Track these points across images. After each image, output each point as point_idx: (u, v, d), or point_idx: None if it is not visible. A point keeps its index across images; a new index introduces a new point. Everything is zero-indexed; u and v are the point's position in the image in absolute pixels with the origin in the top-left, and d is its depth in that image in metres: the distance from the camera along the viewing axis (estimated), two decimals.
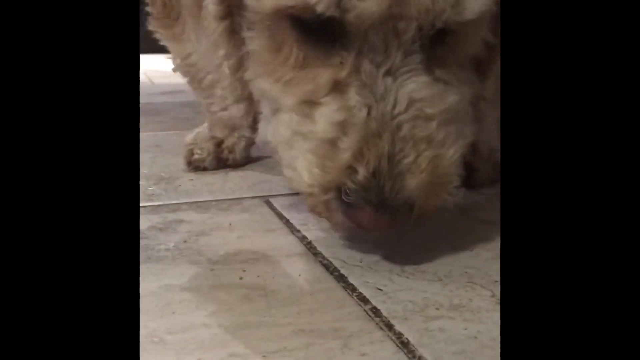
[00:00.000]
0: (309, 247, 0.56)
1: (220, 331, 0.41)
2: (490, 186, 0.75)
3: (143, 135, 1.01)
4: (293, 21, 0.46)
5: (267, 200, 0.69)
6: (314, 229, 0.60)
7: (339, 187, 0.45)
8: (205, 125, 0.83)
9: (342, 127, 0.45)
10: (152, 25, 0.64)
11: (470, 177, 0.73)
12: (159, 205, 0.67)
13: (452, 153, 0.48)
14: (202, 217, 0.63)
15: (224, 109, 0.59)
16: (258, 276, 0.49)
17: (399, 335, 0.41)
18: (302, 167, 0.47)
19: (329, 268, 0.51)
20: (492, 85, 0.55)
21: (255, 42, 0.50)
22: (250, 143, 0.84)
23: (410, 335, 0.41)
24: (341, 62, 0.46)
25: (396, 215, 0.45)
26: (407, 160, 0.45)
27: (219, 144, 0.80)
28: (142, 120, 1.13)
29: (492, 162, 0.75)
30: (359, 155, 0.44)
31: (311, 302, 0.45)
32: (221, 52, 0.54)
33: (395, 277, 0.50)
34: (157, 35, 0.65)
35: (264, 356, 0.38)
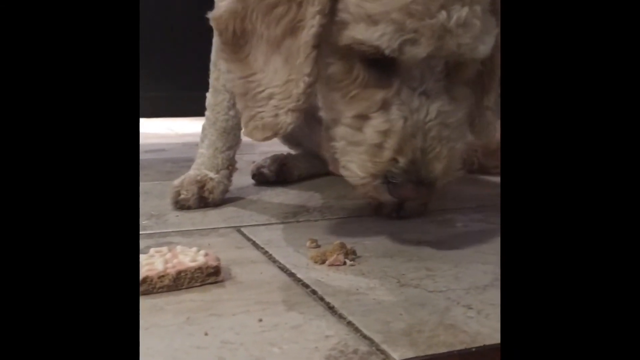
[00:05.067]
0: (269, 257, 0.74)
1: (202, 303, 0.59)
2: (417, 216, 0.94)
3: None
4: (361, 54, 0.67)
5: (238, 229, 0.87)
6: (274, 247, 0.78)
7: (385, 175, 0.67)
8: (189, 172, 1.02)
9: (386, 133, 0.67)
10: (221, 50, 0.76)
11: (402, 208, 0.93)
12: (152, 233, 0.85)
13: (459, 147, 0.70)
14: (187, 240, 0.81)
15: (275, 115, 0.70)
16: (230, 274, 0.67)
17: (328, 303, 0.59)
18: (356, 165, 0.69)
19: (283, 269, 0.70)
20: (493, 95, 0.75)
21: (333, 66, 0.70)
22: (226, 189, 1.04)
23: (335, 303, 0.59)
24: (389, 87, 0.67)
25: (429, 188, 0.68)
26: (434, 152, 0.67)
27: (201, 186, 0.99)
28: None
29: None
30: (399, 151, 0.66)
31: (268, 288, 0.64)
32: (306, 71, 0.67)
33: (331, 273, 0.68)
34: (222, 58, 0.78)
35: (233, 314, 0.56)
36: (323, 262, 0.70)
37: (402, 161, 0.66)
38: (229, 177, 1.04)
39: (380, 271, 0.69)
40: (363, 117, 0.68)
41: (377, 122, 0.67)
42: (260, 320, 0.55)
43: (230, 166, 1.04)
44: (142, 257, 0.65)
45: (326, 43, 0.69)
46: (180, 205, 0.98)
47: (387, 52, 0.64)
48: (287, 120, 0.70)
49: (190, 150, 1.46)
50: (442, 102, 0.68)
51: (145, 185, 1.19)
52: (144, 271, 0.61)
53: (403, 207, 0.93)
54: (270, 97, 0.71)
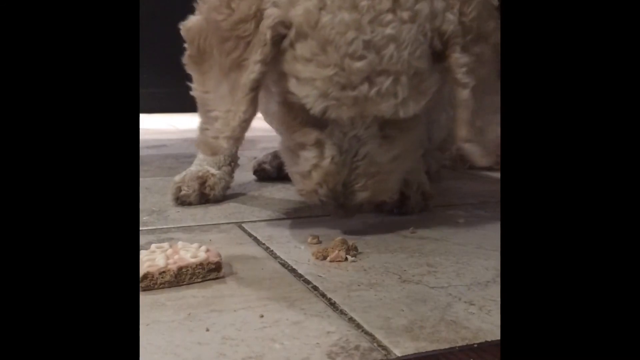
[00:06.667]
0: (271, 253, 0.74)
1: (203, 299, 0.59)
2: (419, 212, 0.94)
3: None
4: None
5: (240, 225, 0.87)
6: (275, 243, 0.78)
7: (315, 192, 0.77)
8: (191, 168, 1.02)
9: (314, 166, 0.76)
10: (185, 60, 0.82)
11: (403, 204, 0.93)
12: (153, 229, 0.85)
13: (392, 179, 0.79)
14: (188, 236, 0.81)
15: (216, 137, 0.77)
16: (231, 270, 0.67)
17: (329, 299, 0.59)
18: (296, 182, 0.81)
19: (285, 265, 0.69)
20: (464, 129, 0.75)
21: (278, 104, 0.78)
22: (228, 185, 1.04)
23: (337, 299, 0.59)
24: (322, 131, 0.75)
25: (347, 211, 0.77)
26: (358, 185, 0.75)
27: (203, 182, 0.99)
28: None
29: (421, 192, 0.95)
30: (321, 182, 0.75)
31: (269, 284, 0.63)
32: (243, 108, 0.73)
33: (332, 269, 0.68)
34: (186, 67, 0.83)
35: (234, 310, 0.56)
36: (324, 258, 0.70)
37: (321, 191, 0.76)
38: (230, 173, 1.04)
39: (382, 267, 0.69)
40: (301, 146, 0.77)
41: (309, 155, 0.76)
42: (262, 316, 0.55)
43: (232, 162, 1.04)
44: (143, 253, 0.64)
45: (273, 81, 0.76)
46: (182, 201, 0.98)
47: (311, 112, 0.71)
48: (223, 145, 0.76)
49: (191, 146, 1.45)
50: (372, 146, 0.74)
51: (146, 181, 1.18)
52: (145, 267, 0.61)
53: (405, 203, 0.93)
54: (216, 118, 0.77)
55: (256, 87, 0.73)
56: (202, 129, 0.80)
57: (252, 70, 0.71)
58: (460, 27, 0.72)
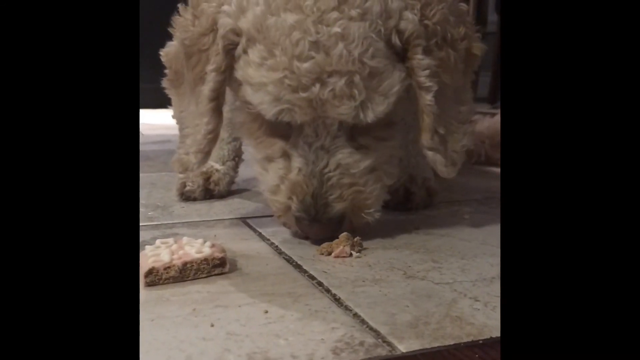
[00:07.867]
0: (275, 248, 0.74)
1: (208, 295, 0.59)
2: (424, 208, 0.94)
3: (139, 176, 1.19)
4: None
5: (244, 220, 0.87)
6: (280, 239, 0.78)
7: (289, 207, 0.73)
8: None
9: (282, 178, 0.74)
10: (165, 84, 0.85)
11: (408, 200, 0.93)
12: (158, 224, 0.85)
13: (370, 190, 0.74)
14: (193, 232, 0.81)
15: (187, 153, 0.78)
16: (236, 265, 0.67)
17: (334, 295, 0.59)
18: (270, 203, 0.77)
19: (289, 261, 0.69)
20: (427, 136, 0.73)
21: (242, 114, 0.77)
22: (232, 180, 1.04)
23: (341, 295, 0.59)
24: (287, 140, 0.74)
25: (326, 226, 0.72)
26: (332, 196, 0.72)
27: (207, 178, 0.99)
28: None
29: (426, 188, 0.95)
30: (291, 195, 0.73)
31: (274, 279, 0.63)
32: (205, 119, 0.74)
33: (337, 265, 0.68)
34: (166, 91, 0.87)
35: (239, 306, 0.56)
36: (329, 254, 0.70)
37: (294, 202, 0.72)
38: (235, 169, 1.04)
39: (387, 263, 0.68)
40: (269, 159, 0.76)
41: (277, 167, 0.75)
42: (266, 311, 0.55)
43: (237, 157, 1.04)
44: (148, 248, 0.65)
45: (234, 91, 0.75)
46: (186, 196, 0.98)
47: (266, 117, 0.70)
48: (192, 160, 0.77)
49: None
50: (343, 155, 0.72)
51: (151, 177, 1.19)
52: (150, 262, 0.61)
53: (410, 199, 0.93)
54: (187, 136, 0.79)
55: (215, 98, 0.73)
56: (178, 147, 0.82)
57: (209, 80, 0.72)
58: (422, 28, 0.69)
